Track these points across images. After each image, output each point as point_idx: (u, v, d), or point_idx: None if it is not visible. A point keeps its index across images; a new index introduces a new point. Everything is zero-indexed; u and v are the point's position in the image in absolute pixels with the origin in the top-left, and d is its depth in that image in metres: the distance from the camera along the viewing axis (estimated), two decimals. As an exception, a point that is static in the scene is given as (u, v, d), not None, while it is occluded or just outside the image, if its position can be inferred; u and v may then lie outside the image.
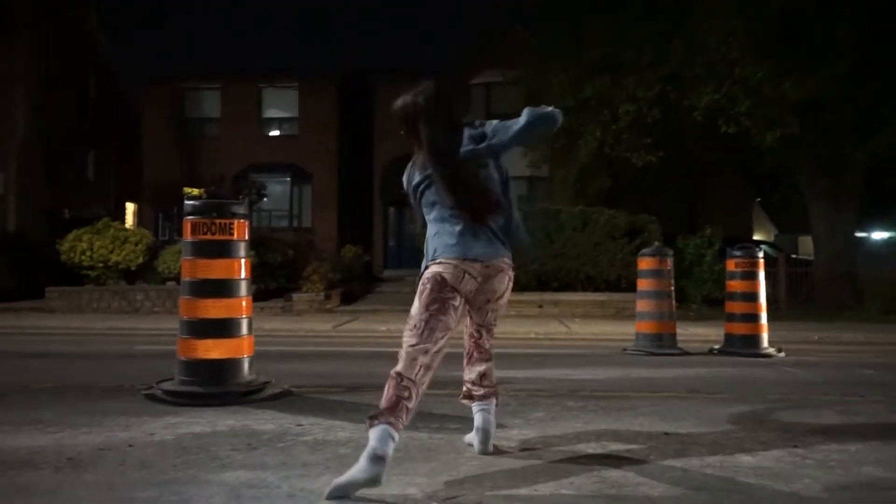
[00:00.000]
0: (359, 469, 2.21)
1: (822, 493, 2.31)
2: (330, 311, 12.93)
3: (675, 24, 12.53)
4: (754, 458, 2.72)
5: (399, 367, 2.40)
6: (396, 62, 21.46)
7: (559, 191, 16.50)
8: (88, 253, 13.15)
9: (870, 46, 12.03)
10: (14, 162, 19.64)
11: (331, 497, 2.19)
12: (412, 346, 2.42)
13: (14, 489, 2.28)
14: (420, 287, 2.54)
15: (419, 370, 2.39)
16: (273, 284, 14.22)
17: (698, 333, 8.20)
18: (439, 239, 2.56)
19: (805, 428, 3.29)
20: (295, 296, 13.25)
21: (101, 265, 13.18)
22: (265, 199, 19.78)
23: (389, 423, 2.28)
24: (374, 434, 2.28)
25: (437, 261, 2.53)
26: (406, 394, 2.35)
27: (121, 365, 5.61)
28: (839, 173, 13.53)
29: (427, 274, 2.54)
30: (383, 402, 2.35)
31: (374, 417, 2.32)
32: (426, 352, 2.40)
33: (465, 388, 2.86)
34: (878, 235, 23.85)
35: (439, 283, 2.48)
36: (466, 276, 2.49)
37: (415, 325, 2.46)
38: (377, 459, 2.21)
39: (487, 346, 2.82)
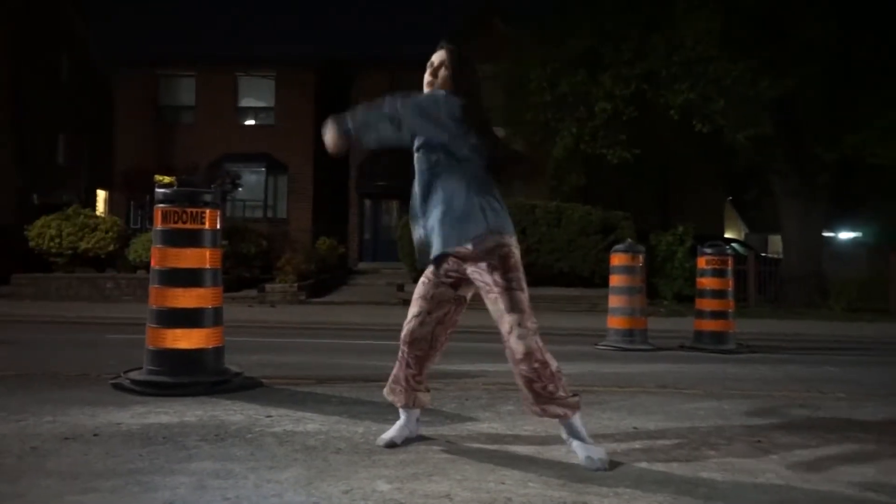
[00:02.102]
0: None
1: (785, 487, 2.35)
2: (303, 302, 12.88)
3: (653, 21, 12.64)
4: (719, 453, 2.76)
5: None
6: (374, 52, 21.33)
7: (536, 185, 16.62)
8: (57, 240, 12.96)
9: (844, 48, 12.24)
10: (-19, 145, 19.23)
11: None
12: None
13: (-26, 478, 2.24)
14: (514, 260, 2.51)
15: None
16: (247, 275, 14.14)
17: (669, 329, 8.31)
18: (494, 203, 2.53)
19: (769, 423, 3.35)
20: (268, 286, 13.19)
21: (69, 252, 12.99)
22: (240, 189, 19.61)
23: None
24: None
25: (510, 232, 2.55)
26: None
27: (88, 353, 5.53)
28: (810, 173, 13.77)
29: (515, 245, 2.55)
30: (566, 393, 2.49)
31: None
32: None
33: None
34: (846, 235, 24.30)
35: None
36: None
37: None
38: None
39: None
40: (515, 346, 2.45)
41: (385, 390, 2.79)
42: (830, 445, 2.94)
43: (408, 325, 2.67)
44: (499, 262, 2.48)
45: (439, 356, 2.76)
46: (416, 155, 2.61)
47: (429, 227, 2.58)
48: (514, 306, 2.46)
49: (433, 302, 2.65)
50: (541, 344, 2.47)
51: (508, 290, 2.47)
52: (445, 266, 2.62)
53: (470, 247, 2.50)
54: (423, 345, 2.67)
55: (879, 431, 3.24)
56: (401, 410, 2.78)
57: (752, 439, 3.00)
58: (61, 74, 22.92)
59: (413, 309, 2.68)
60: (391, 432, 2.74)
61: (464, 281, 2.63)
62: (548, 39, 14.02)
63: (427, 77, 2.63)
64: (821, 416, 3.59)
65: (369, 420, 3.16)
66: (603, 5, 13.37)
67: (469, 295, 2.70)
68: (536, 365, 2.44)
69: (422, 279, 2.70)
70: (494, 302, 2.49)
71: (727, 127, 12.65)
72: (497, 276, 2.48)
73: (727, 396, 4.08)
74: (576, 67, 13.33)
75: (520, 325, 2.45)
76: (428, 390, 2.79)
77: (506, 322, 2.46)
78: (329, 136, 2.57)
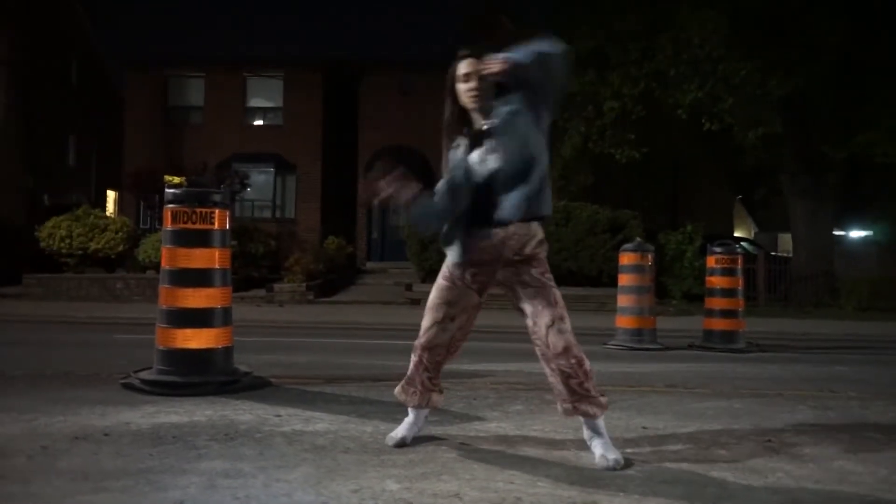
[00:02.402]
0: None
1: (795, 487, 2.34)
2: (311, 302, 12.90)
3: (660, 20, 12.59)
4: (729, 452, 2.75)
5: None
6: (382, 53, 21.38)
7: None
8: (68, 240, 13.04)
9: (854, 46, 12.16)
10: (-7, 146, 19.34)
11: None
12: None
13: (-14, 477, 2.25)
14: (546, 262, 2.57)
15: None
16: (255, 275, 14.19)
17: (678, 328, 8.28)
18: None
19: (779, 423, 3.33)
20: (277, 286, 13.22)
21: (80, 252, 13.06)
22: (248, 189, 19.65)
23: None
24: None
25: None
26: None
27: (99, 353, 5.56)
28: (819, 172, 13.69)
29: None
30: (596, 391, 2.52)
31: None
32: None
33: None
34: (856, 234, 24.16)
35: None
36: None
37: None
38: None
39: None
40: (556, 340, 2.45)
41: (397, 390, 2.78)
42: (841, 445, 2.92)
43: (428, 331, 2.62)
44: (538, 261, 2.52)
45: (454, 358, 2.76)
46: (513, 119, 2.46)
47: (499, 193, 2.45)
48: (556, 301, 2.49)
49: (457, 308, 2.60)
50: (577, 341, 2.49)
51: (548, 286, 2.51)
52: (472, 270, 2.56)
53: (530, 248, 2.49)
54: (442, 350, 2.65)
55: (890, 431, 3.22)
56: (410, 409, 2.78)
57: (761, 439, 2.98)
58: (71, 76, 23.03)
59: (435, 314, 2.61)
60: (402, 431, 2.74)
61: (489, 285, 2.60)
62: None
63: (464, 86, 2.51)
64: (831, 415, 3.57)
65: (378, 419, 3.16)
66: (610, 5, 13.34)
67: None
68: (573, 360, 2.46)
69: (444, 283, 2.61)
70: (533, 296, 2.49)
71: (736, 126, 12.59)
72: (537, 273, 2.50)
73: (737, 396, 4.06)
74: (584, 67, 13.30)
75: (561, 319, 2.47)
76: (441, 391, 2.79)
77: (546, 316, 2.46)
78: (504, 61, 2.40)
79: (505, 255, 2.50)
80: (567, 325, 2.48)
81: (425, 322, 2.64)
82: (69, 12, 22.66)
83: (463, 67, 2.55)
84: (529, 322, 2.52)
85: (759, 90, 11.85)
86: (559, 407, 2.57)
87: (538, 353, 2.53)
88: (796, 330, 9.25)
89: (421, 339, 2.65)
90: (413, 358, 2.70)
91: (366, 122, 21.33)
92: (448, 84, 2.58)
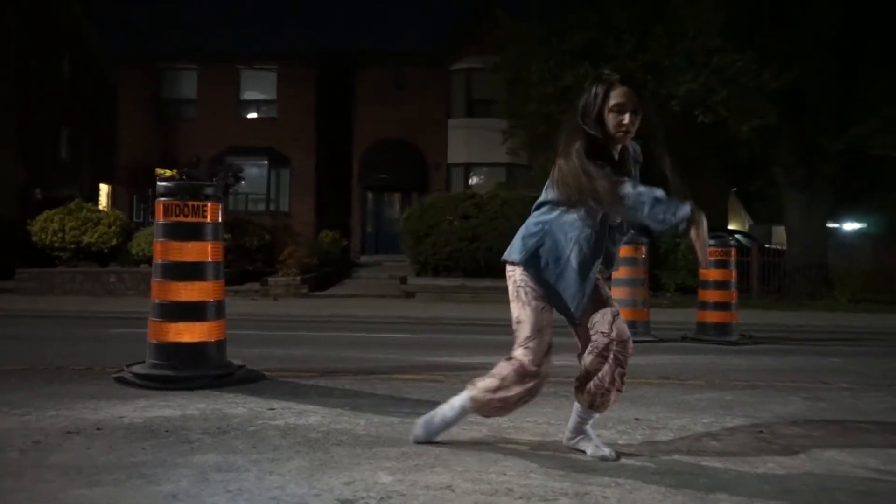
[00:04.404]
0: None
1: (786, 477, 2.35)
2: (306, 295, 12.89)
3: (655, 11, 12.56)
4: (721, 443, 2.76)
5: None
6: (376, 46, 21.31)
7: (539, 178, 16.54)
8: (60, 234, 12.99)
9: (849, 38, 12.16)
10: (-16, 140, 19.21)
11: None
12: None
13: (-22, 472, 2.25)
14: None
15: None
16: (250, 268, 14.17)
17: (672, 321, 8.30)
18: None
19: (771, 414, 3.35)
20: (271, 280, 13.20)
21: (72, 246, 13.01)
22: (242, 183, 19.59)
23: None
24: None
25: None
26: None
27: (91, 348, 5.55)
28: (814, 164, 13.71)
29: None
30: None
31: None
32: None
33: None
34: (850, 226, 24.23)
35: None
36: None
37: None
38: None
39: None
40: (622, 327, 2.49)
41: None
42: (833, 436, 2.93)
43: (549, 355, 2.52)
44: None
45: None
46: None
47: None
48: (610, 294, 2.64)
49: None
50: None
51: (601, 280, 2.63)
52: None
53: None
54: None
55: (882, 422, 3.24)
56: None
57: (754, 430, 3.00)
58: (63, 69, 22.87)
59: (546, 337, 2.51)
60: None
61: None
62: (550, 32, 13.95)
63: (616, 117, 2.56)
64: (824, 406, 3.58)
65: (371, 412, 3.16)
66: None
67: None
68: (630, 352, 2.50)
69: (541, 304, 2.50)
70: (599, 290, 2.58)
71: (730, 118, 12.59)
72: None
73: (730, 387, 4.08)
74: (578, 59, 13.27)
75: (619, 311, 2.57)
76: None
77: (612, 307, 2.54)
78: None
79: None
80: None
81: (540, 345, 2.49)
82: (63, 5, 22.49)
83: (617, 97, 2.50)
84: (590, 316, 2.52)
85: (753, 82, 11.85)
86: (584, 398, 2.51)
87: (593, 344, 2.48)
88: (790, 322, 9.28)
89: (542, 365, 2.50)
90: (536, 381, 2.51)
91: (360, 114, 21.28)
92: (589, 107, 2.53)
